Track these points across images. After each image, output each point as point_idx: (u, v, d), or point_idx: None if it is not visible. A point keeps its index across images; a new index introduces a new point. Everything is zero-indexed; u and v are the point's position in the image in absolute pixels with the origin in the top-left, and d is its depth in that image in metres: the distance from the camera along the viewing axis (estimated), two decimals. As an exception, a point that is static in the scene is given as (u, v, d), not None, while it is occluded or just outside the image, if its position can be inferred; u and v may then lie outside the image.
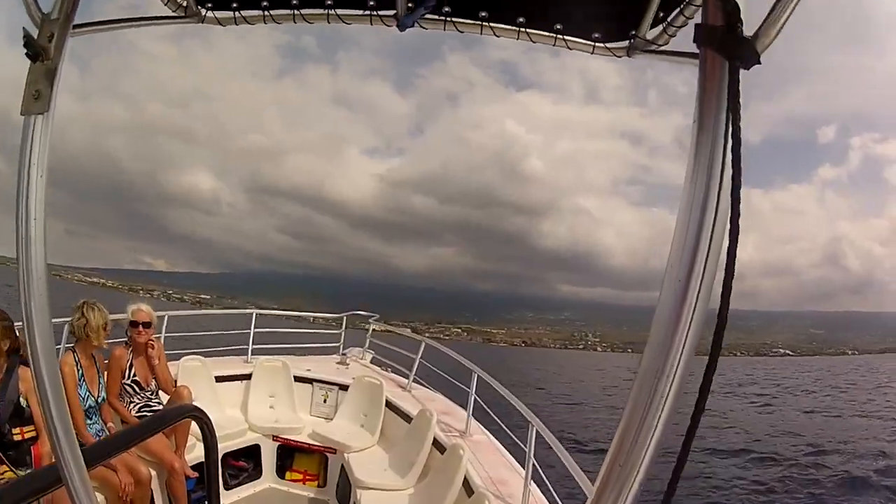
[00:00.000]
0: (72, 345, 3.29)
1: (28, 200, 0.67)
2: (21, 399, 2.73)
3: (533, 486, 2.97)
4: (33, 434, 2.75)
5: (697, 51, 0.68)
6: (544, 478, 3.10)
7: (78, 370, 3.17)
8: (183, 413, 1.56)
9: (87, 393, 3.18)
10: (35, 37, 0.68)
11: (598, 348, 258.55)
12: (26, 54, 0.65)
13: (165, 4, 1.04)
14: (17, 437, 2.68)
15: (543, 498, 3.00)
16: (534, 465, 2.96)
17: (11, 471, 2.64)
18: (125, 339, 3.61)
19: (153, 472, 3.27)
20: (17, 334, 2.78)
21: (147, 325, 3.55)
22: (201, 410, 1.57)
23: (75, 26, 0.71)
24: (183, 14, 0.99)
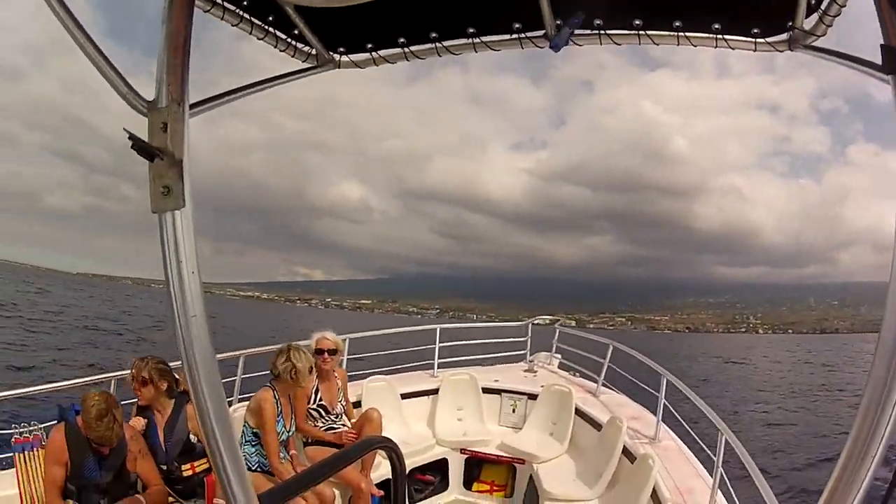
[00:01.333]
0: (270, 383, 3.29)
1: (185, 299, 0.63)
2: (191, 436, 2.87)
3: (719, 496, 2.86)
4: (206, 466, 2.87)
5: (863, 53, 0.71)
6: (730, 488, 2.94)
7: (277, 407, 3.21)
8: (372, 445, 1.56)
9: (283, 428, 3.24)
10: (147, 133, 0.64)
11: (760, 330, 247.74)
12: (139, 153, 0.60)
13: (293, 57, 0.98)
14: (188, 473, 2.85)
15: None
16: (722, 475, 2.84)
17: (180, 502, 2.82)
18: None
19: (337, 493, 3.29)
20: (177, 375, 2.90)
21: (332, 352, 3.59)
22: (391, 441, 1.52)
23: (192, 106, 0.66)
24: (315, 64, 0.89)
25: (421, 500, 4.28)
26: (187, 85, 0.66)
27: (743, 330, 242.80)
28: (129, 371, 2.97)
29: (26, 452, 2.80)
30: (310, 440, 3.70)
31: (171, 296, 0.66)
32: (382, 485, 3.61)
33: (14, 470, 2.77)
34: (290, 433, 3.40)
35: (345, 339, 4.24)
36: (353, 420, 3.86)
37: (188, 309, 0.66)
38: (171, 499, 2.85)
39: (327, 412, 3.69)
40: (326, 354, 3.65)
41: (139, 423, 2.92)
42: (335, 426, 3.72)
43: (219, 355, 3.90)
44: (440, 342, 5.29)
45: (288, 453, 3.40)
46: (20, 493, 2.73)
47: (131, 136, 0.63)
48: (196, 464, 2.93)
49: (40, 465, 2.81)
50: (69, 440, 2.57)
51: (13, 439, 2.81)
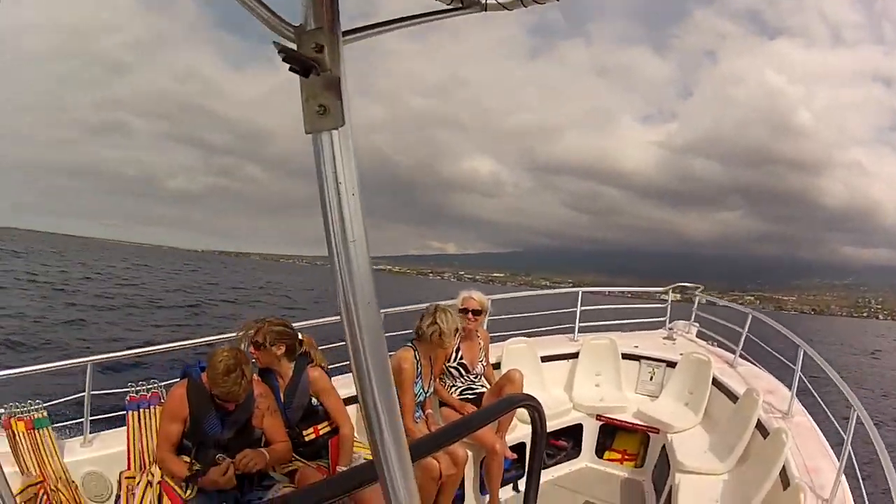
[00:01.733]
0: (411, 343, 3.27)
1: (344, 222, 0.58)
2: (313, 400, 2.79)
3: (843, 480, 2.75)
4: (328, 429, 2.81)
5: None
6: (857, 472, 2.86)
7: (417, 367, 3.18)
8: (515, 403, 1.48)
9: (420, 389, 3.20)
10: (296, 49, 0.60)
11: (880, 316, 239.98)
12: (291, 69, 0.56)
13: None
14: (310, 437, 2.76)
15: (849, 494, 2.74)
16: (850, 455, 2.74)
17: (305, 464, 2.73)
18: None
19: (470, 454, 3.28)
20: (300, 338, 2.84)
21: (477, 312, 3.55)
22: (535, 400, 1.46)
23: (344, 33, 0.61)
24: (461, 5, 0.85)
25: (552, 465, 4.21)
26: (338, 6, 0.61)
27: (865, 315, 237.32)
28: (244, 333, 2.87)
29: (141, 410, 2.80)
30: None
31: (328, 220, 0.60)
32: (515, 448, 3.60)
33: (125, 428, 2.78)
34: (428, 394, 3.33)
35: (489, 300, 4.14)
36: (492, 382, 3.78)
37: (347, 233, 0.60)
38: (298, 463, 2.76)
39: (467, 371, 3.61)
40: (471, 314, 3.58)
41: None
42: (474, 386, 3.64)
43: (322, 320, 3.14)
44: (581, 306, 5.22)
45: (424, 413, 3.34)
46: (128, 449, 2.73)
47: (282, 49, 0.57)
48: (319, 427, 2.81)
49: (155, 422, 2.79)
50: (191, 396, 2.48)
51: (128, 398, 2.81)
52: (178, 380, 2.62)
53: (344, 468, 2.76)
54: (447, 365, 3.59)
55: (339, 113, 0.59)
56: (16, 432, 2.56)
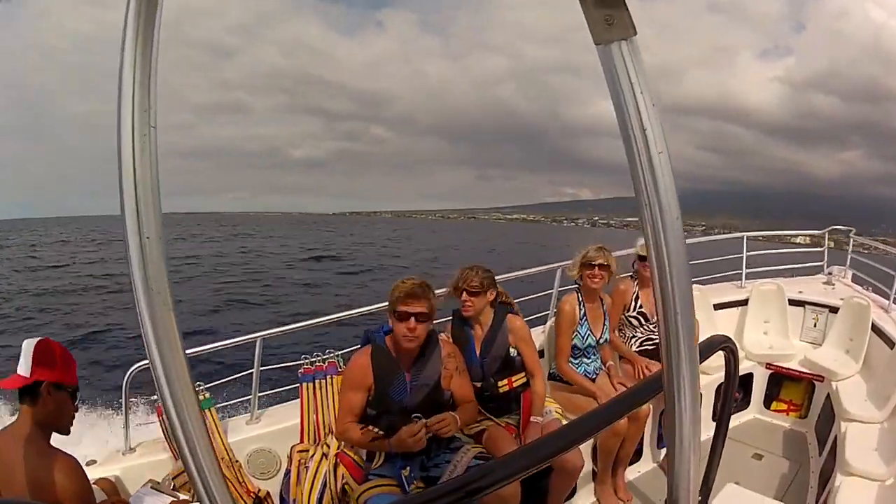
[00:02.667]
0: (577, 286, 3.21)
1: (647, 136, 0.54)
2: (511, 349, 2.71)
3: None
4: (522, 381, 2.73)
5: None
6: None
7: (580, 309, 3.11)
8: (715, 346, 1.35)
9: (588, 332, 3.12)
10: None
11: None
12: None
13: None
14: (504, 388, 2.68)
15: None
16: None
17: (491, 419, 2.63)
18: (631, 273, 3.56)
19: (651, 406, 3.19)
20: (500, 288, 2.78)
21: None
22: (732, 342, 1.37)
23: None
24: None
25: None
26: None
27: None
28: (445, 287, 2.76)
29: (316, 381, 2.70)
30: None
31: (629, 135, 0.57)
32: None
33: (298, 401, 2.70)
34: (601, 341, 3.20)
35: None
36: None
37: (651, 147, 0.56)
38: (481, 416, 2.65)
39: (647, 320, 3.48)
40: (646, 262, 3.40)
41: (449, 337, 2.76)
42: (654, 335, 3.51)
43: (540, 268, 3.72)
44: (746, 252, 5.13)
45: (604, 365, 3.24)
46: (302, 423, 2.65)
47: None
48: (514, 378, 2.72)
49: (332, 392, 2.70)
50: (375, 362, 2.31)
51: (301, 370, 2.72)
52: (357, 347, 2.48)
53: (538, 419, 2.68)
54: (626, 315, 3.47)
55: (629, 22, 0.56)
56: None
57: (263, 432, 2.72)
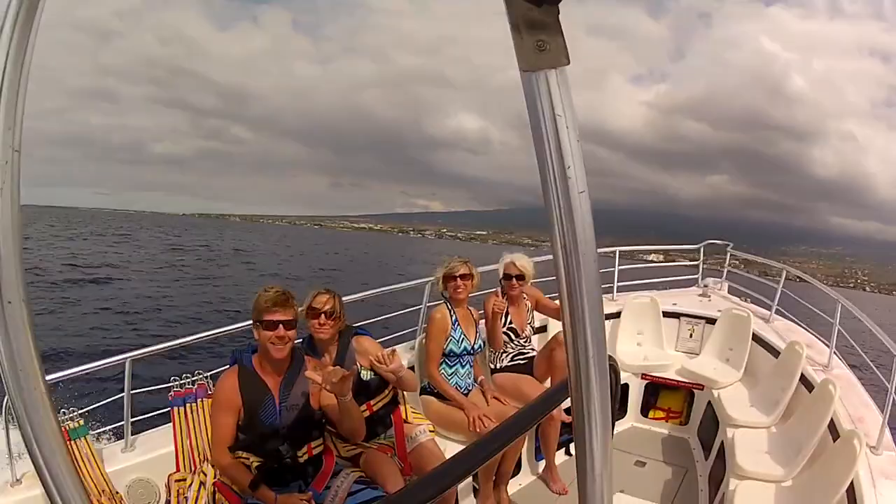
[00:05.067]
0: (444, 299, 3.20)
1: (566, 167, 0.51)
2: (363, 372, 2.60)
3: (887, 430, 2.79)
4: (385, 401, 2.66)
5: None
6: None
7: (451, 316, 3.12)
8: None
9: (462, 336, 3.11)
10: None
11: (867, 288, 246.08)
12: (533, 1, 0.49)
13: None
14: (365, 413, 2.55)
15: (892, 442, 2.79)
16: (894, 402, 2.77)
17: (366, 446, 2.56)
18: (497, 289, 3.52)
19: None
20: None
21: (520, 277, 3.43)
22: (613, 358, 1.14)
23: None
24: None
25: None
26: None
27: (851, 286, 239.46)
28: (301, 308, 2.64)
29: (187, 405, 2.59)
30: (497, 365, 3.50)
31: (544, 154, 0.52)
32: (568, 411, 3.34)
33: (171, 426, 2.57)
34: (476, 348, 3.20)
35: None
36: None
37: (570, 183, 0.53)
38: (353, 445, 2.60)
39: (517, 335, 3.53)
40: (514, 280, 3.48)
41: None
42: (525, 350, 3.56)
43: (408, 283, 3.57)
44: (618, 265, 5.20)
45: (476, 381, 3.24)
46: (176, 450, 2.53)
47: None
48: (373, 402, 2.65)
49: (204, 417, 2.60)
50: (243, 383, 2.26)
51: (171, 393, 2.60)
52: (226, 367, 2.40)
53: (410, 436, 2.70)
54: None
55: (563, 50, 0.53)
56: None
57: (141, 461, 2.56)
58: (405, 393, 2.82)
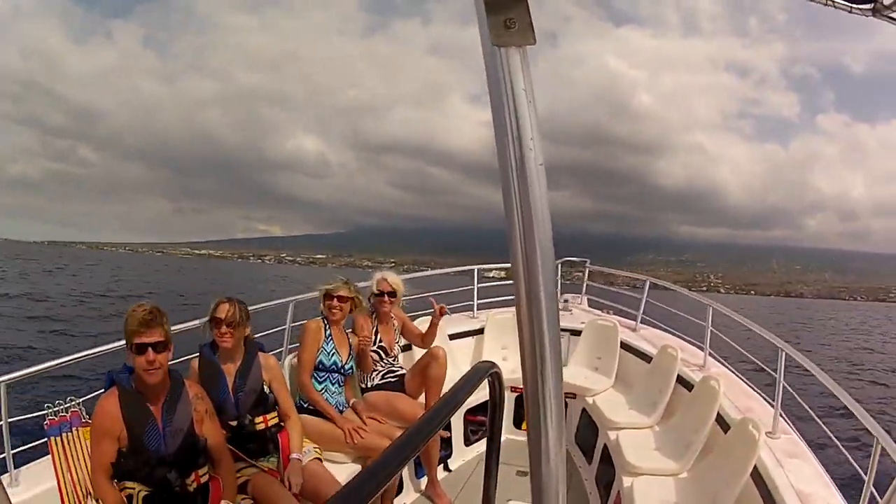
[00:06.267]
0: (321, 316, 3.24)
1: (520, 138, 0.52)
2: (264, 387, 2.68)
3: (783, 417, 2.90)
4: (276, 421, 2.69)
5: None
6: (798, 403, 3.04)
7: (326, 330, 3.18)
8: (482, 373, 1.31)
9: (334, 350, 3.16)
10: None
11: (721, 290, 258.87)
12: None
13: None
14: (260, 426, 2.62)
15: (790, 428, 2.91)
16: (784, 390, 2.86)
17: (253, 465, 2.55)
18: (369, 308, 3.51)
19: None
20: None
21: (392, 293, 3.49)
22: (497, 367, 1.41)
23: None
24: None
25: (475, 441, 4.24)
26: None
27: (704, 289, 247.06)
28: (201, 319, 2.67)
29: (63, 434, 2.32)
30: (368, 385, 3.48)
31: (505, 126, 0.54)
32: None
33: (50, 458, 2.29)
34: (347, 367, 3.22)
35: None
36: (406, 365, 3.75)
37: (528, 163, 0.54)
38: (243, 464, 2.52)
39: (386, 354, 3.55)
40: (386, 296, 3.52)
41: (195, 368, 2.61)
42: (394, 368, 3.58)
43: (268, 303, 3.34)
44: (477, 283, 5.28)
45: (348, 403, 3.23)
46: (59, 484, 2.27)
47: None
48: (269, 417, 2.67)
49: (82, 447, 2.35)
50: (123, 405, 2.10)
51: (46, 422, 2.32)
52: (102, 391, 2.22)
53: (297, 455, 2.67)
54: (370, 349, 3.51)
55: (530, 30, 0.54)
56: None
57: (27, 497, 2.31)
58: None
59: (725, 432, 2.98)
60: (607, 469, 3.49)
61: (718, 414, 3.08)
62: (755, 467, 2.53)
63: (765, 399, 3.35)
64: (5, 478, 2.33)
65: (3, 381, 2.26)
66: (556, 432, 0.66)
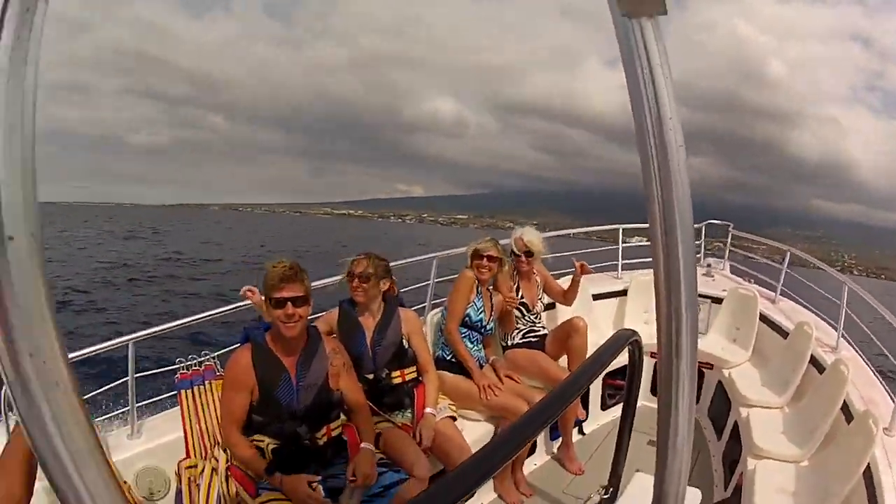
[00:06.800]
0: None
1: (668, 117, 0.50)
2: (403, 341, 2.70)
3: None
4: (413, 376, 2.70)
5: None
6: None
7: (477, 290, 3.13)
8: (623, 341, 1.34)
9: (482, 306, 3.13)
10: None
11: (855, 272, 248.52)
12: None
13: None
14: (397, 380, 2.64)
15: None
16: None
17: (387, 420, 2.57)
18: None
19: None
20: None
21: (529, 253, 3.42)
22: (638, 335, 1.41)
23: None
24: None
25: (612, 405, 4.19)
26: None
27: (838, 268, 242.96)
28: (339, 276, 2.71)
29: (195, 387, 2.46)
30: (509, 343, 3.49)
31: (642, 103, 0.50)
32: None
33: (178, 410, 2.44)
34: (489, 327, 3.20)
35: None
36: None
37: (667, 135, 0.51)
38: (378, 418, 2.55)
39: (528, 311, 3.52)
40: (523, 256, 3.48)
41: (332, 318, 2.68)
42: (536, 327, 3.54)
43: (411, 259, 3.42)
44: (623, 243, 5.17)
45: (488, 360, 3.21)
46: (185, 434, 2.41)
47: None
48: (406, 371, 2.68)
49: (213, 399, 2.48)
50: (257, 361, 2.15)
51: (177, 376, 2.47)
52: (237, 346, 2.28)
53: (432, 410, 2.65)
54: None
55: (662, 1, 0.51)
56: None
57: (148, 448, 2.43)
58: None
59: (848, 422, 2.86)
60: (734, 447, 3.38)
61: (844, 402, 2.96)
62: (868, 465, 2.42)
63: (887, 392, 3.18)
64: (126, 430, 2.48)
65: (130, 340, 2.39)
66: (686, 406, 0.62)
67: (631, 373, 1.49)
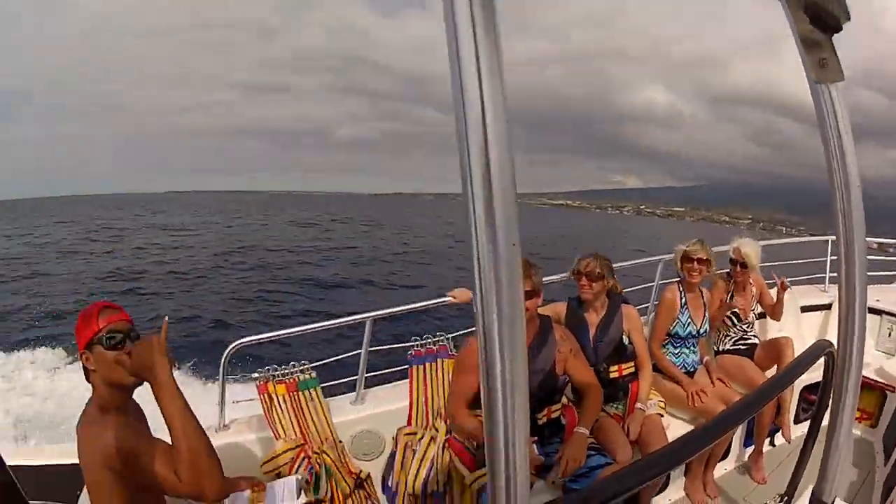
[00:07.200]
0: (678, 279, 3.24)
1: (847, 171, 0.63)
2: (624, 337, 2.79)
3: None
4: (631, 370, 2.80)
5: None
6: None
7: (681, 298, 3.16)
8: (818, 351, 1.26)
9: (689, 320, 3.14)
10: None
11: None
12: (817, 25, 0.60)
13: None
14: (615, 374, 2.74)
15: None
16: None
17: (602, 410, 2.65)
18: (727, 271, 3.51)
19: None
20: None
21: (743, 265, 3.41)
22: (834, 347, 1.28)
23: None
24: None
25: (805, 420, 4.07)
26: None
27: None
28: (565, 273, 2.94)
29: (426, 364, 2.73)
30: (719, 348, 3.54)
31: (831, 156, 0.66)
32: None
33: (407, 383, 2.70)
34: (702, 331, 3.22)
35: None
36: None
37: (850, 178, 0.68)
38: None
39: (740, 320, 3.53)
40: (738, 266, 3.49)
41: (560, 309, 2.87)
42: (747, 336, 3.56)
43: (637, 261, 3.88)
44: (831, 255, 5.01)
45: (701, 361, 3.24)
46: (410, 405, 2.65)
47: (820, 8, 0.63)
48: (624, 366, 2.81)
49: (443, 376, 2.73)
50: None
51: (411, 352, 2.74)
52: (470, 330, 2.55)
53: (642, 406, 2.76)
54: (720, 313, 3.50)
55: (838, 66, 0.62)
56: (273, 396, 2.44)
57: (368, 414, 2.72)
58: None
59: None
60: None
61: None
62: None
63: None
64: (350, 397, 2.76)
65: (369, 317, 2.66)
66: (847, 426, 0.75)
67: (824, 384, 1.42)
